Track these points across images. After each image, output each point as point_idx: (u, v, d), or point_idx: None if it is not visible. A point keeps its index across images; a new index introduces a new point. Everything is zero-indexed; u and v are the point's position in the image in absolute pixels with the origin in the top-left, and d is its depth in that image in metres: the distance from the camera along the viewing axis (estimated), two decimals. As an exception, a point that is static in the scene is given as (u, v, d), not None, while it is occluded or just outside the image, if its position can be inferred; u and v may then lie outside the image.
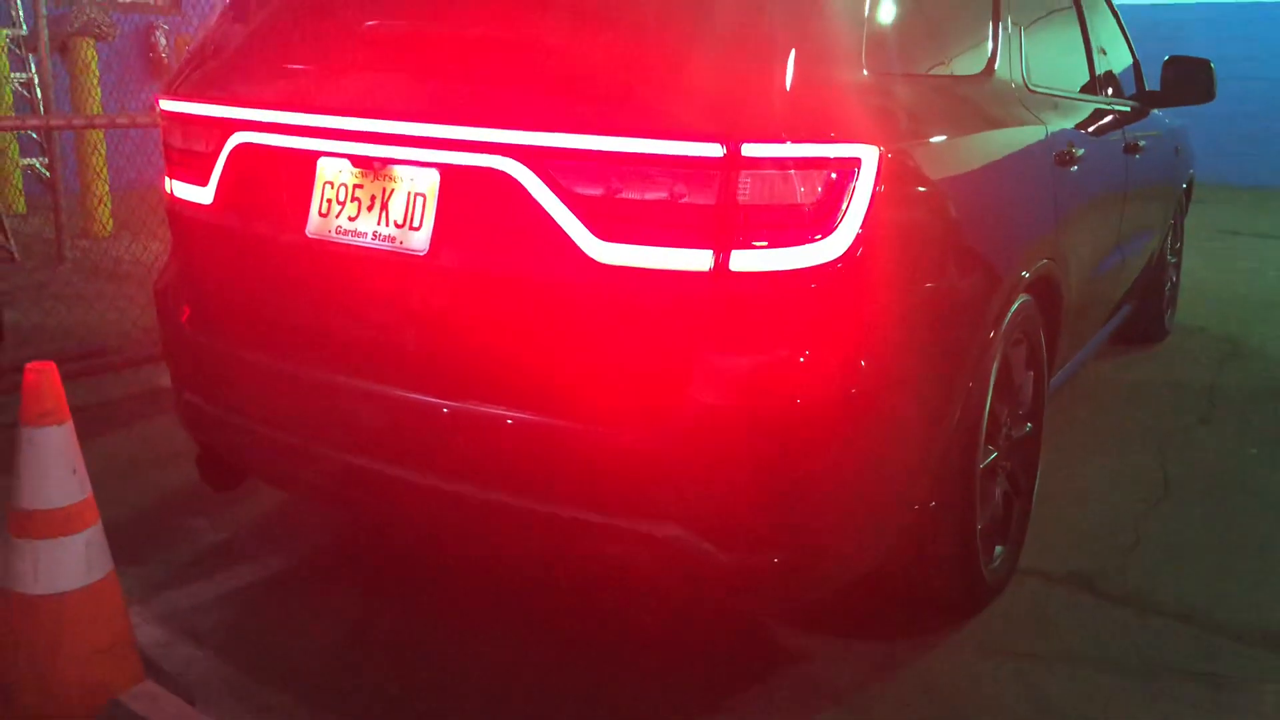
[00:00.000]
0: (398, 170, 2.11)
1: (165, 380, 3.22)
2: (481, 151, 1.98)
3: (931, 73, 2.41)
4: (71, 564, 2.08)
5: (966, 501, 2.43)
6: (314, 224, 2.22)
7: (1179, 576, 2.94)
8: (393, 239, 2.11)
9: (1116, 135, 3.68)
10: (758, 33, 1.94)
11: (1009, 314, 2.51)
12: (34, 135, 7.88)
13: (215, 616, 2.63)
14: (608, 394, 1.97)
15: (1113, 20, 4.27)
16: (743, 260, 1.86)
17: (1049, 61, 3.16)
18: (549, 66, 2.01)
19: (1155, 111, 4.60)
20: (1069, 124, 3.07)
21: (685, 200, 1.86)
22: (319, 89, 2.22)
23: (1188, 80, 4.26)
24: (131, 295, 4.91)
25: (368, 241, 2.14)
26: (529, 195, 1.94)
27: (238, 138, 2.31)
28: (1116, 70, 4.27)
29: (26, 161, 8.07)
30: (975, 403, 2.40)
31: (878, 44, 2.14)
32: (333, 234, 2.19)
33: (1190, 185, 5.40)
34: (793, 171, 1.85)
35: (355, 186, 2.17)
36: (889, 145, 1.99)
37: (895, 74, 2.21)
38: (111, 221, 7.20)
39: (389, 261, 2.11)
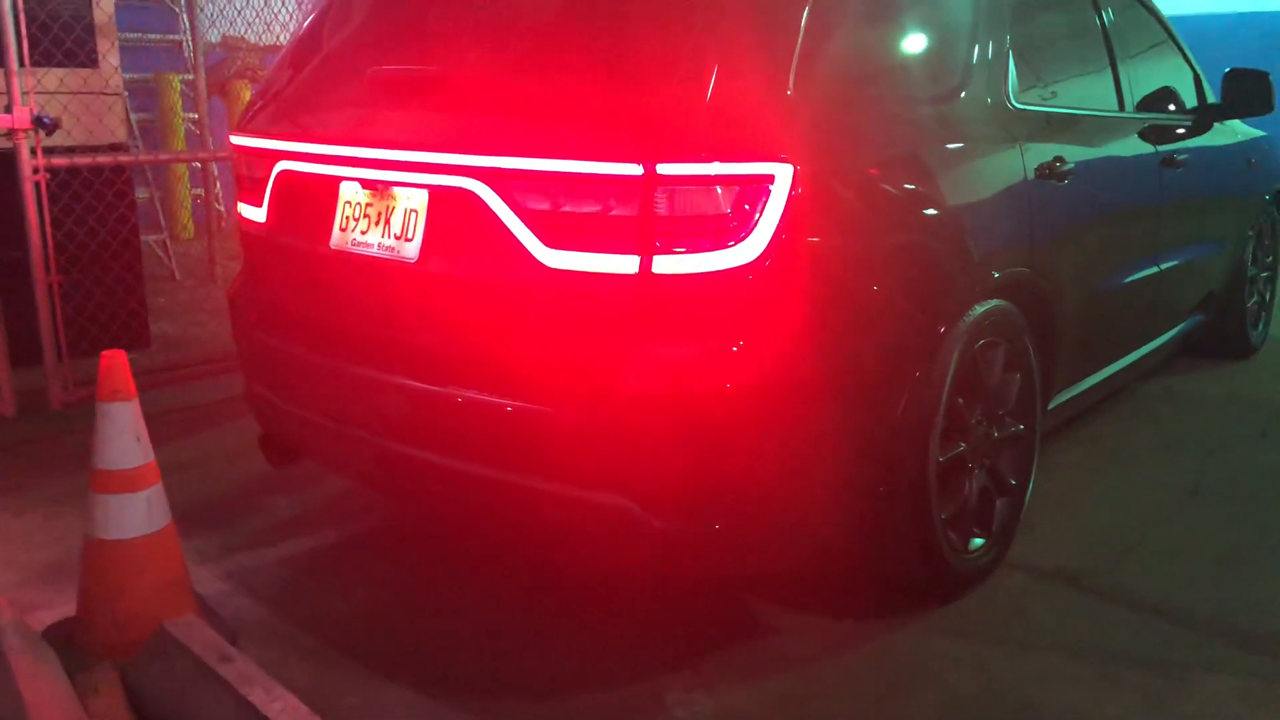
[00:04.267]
0: (397, 191, 2.50)
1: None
2: (455, 174, 2.35)
3: (881, 93, 2.62)
4: (136, 516, 2.54)
5: (919, 490, 2.62)
6: (336, 237, 2.63)
7: (1168, 577, 3.01)
8: (392, 249, 2.49)
9: (1145, 149, 3.75)
10: (680, 59, 2.23)
11: (970, 315, 2.69)
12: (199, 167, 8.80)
13: (271, 576, 3.07)
14: (559, 380, 2.29)
15: (1164, 34, 4.31)
16: (664, 264, 2.16)
17: (1049, 80, 3.31)
18: (508, 100, 2.36)
19: (1227, 124, 4.60)
20: (1064, 140, 3.20)
21: (614, 213, 2.17)
22: (340, 124, 2.64)
23: (1247, 92, 4.27)
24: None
25: (374, 251, 2.53)
26: (490, 210, 2.29)
27: (281, 165, 2.76)
28: (1175, 84, 4.31)
29: (195, 191, 9.00)
30: (927, 396, 2.59)
31: (813, 65, 2.38)
32: (349, 245, 2.60)
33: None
34: (704, 187, 2.14)
35: (366, 205, 2.57)
36: (806, 162, 2.24)
37: (831, 94, 2.44)
38: (260, 244, 7.96)
39: (389, 269, 2.50)
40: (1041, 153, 3.04)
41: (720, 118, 2.19)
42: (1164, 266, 3.97)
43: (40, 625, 2.71)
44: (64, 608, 2.83)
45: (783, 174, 2.19)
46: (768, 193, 2.17)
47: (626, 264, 2.17)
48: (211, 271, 7.24)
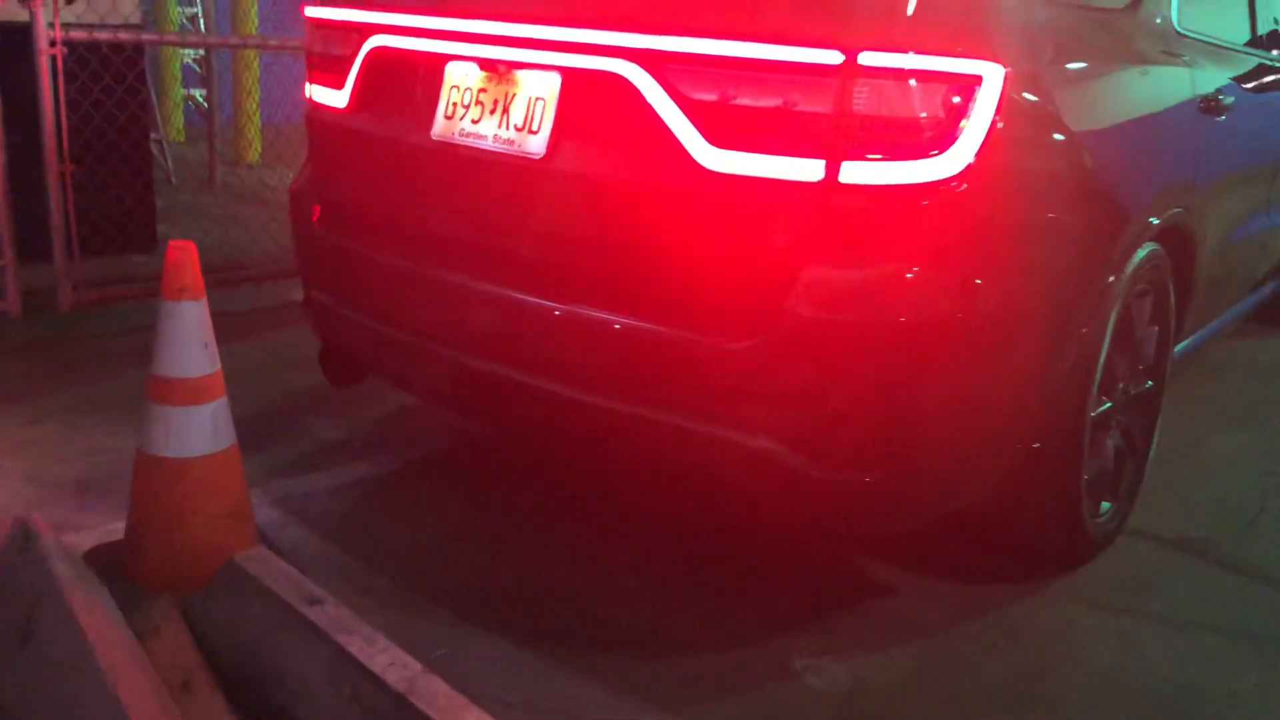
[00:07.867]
0: (520, 74, 2.16)
1: (295, 294, 3.38)
2: (601, 55, 2.01)
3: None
4: (200, 432, 2.21)
5: (1073, 448, 2.37)
6: (439, 126, 2.29)
7: (1299, 550, 2.81)
8: (511, 142, 2.16)
9: (1276, 94, 3.49)
10: None
11: (1134, 261, 2.42)
12: (195, 68, 8.31)
13: (327, 505, 2.77)
14: (712, 302, 1.99)
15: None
16: (853, 172, 1.85)
17: (1202, 7, 3.02)
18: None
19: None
20: (1219, 72, 2.92)
21: (799, 108, 1.85)
22: (451, -6, 2.28)
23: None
24: (270, 216, 5.15)
25: (488, 144, 2.20)
26: (645, 100, 1.96)
27: (373, 41, 2.40)
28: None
29: (186, 92, 8.50)
30: (1090, 348, 2.32)
31: None
32: (456, 136, 2.26)
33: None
34: (910, 84, 1.83)
35: (480, 90, 2.23)
36: (1015, 65, 1.94)
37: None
38: (260, 149, 7.55)
39: (506, 164, 2.17)
40: (1205, 84, 2.76)
41: (928, 9, 1.88)
42: (1276, 219, 3.73)
43: (75, 550, 2.39)
44: (96, 530, 2.52)
45: (992, 76, 1.88)
46: (976, 96, 1.87)
47: (809, 170, 1.86)
48: (212, 177, 6.81)
